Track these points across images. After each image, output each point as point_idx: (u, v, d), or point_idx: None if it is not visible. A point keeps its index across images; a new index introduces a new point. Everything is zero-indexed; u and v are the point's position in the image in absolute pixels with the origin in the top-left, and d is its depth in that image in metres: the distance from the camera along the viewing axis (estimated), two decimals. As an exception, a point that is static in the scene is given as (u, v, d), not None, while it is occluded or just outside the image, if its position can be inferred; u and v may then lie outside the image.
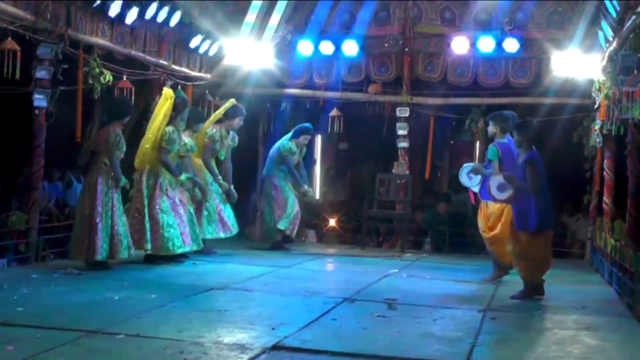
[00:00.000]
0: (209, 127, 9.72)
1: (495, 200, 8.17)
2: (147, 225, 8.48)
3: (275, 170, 10.66)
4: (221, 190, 9.83)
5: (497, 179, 7.87)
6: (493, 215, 8.22)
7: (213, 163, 9.85)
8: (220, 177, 9.80)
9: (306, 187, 10.83)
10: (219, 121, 9.91)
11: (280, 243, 10.72)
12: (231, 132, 10.01)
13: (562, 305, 7.25)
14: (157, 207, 8.55)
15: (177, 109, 8.70)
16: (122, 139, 8.11)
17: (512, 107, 11.23)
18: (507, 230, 7.79)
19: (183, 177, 8.82)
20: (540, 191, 7.27)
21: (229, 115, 9.88)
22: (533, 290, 7.46)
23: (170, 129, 8.58)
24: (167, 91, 8.82)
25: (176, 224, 8.66)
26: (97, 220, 7.91)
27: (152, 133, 8.58)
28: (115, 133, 8.02)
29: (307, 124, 10.90)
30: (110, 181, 8.05)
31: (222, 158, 10.10)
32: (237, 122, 10.00)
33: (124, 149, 8.18)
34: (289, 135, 10.80)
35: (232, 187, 9.99)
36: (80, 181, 10.66)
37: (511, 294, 7.54)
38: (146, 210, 8.52)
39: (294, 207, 10.59)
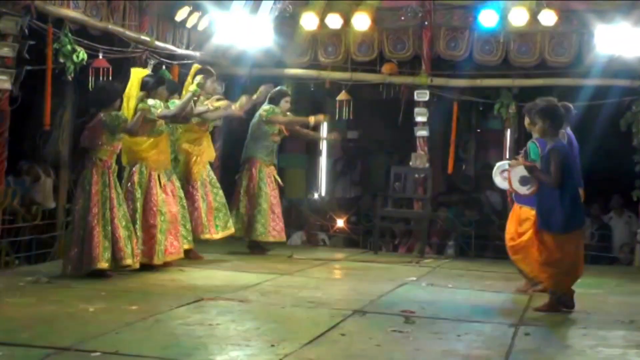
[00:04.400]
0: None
1: (518, 195, 8.11)
2: (140, 230, 8.47)
3: (255, 152, 10.49)
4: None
5: (519, 171, 7.83)
6: (528, 221, 8.15)
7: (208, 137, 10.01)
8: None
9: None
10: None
11: (257, 245, 10.68)
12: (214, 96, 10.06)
13: (607, 319, 7.22)
14: (154, 207, 8.54)
15: (145, 87, 8.67)
16: (117, 112, 8.10)
17: (549, 89, 11.25)
18: (534, 234, 7.78)
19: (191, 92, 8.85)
20: (566, 186, 7.24)
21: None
22: (560, 302, 7.42)
23: (150, 100, 8.56)
24: (135, 71, 8.80)
25: (167, 229, 8.66)
26: (94, 223, 7.93)
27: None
28: (108, 115, 8.00)
29: (279, 87, 10.77)
30: (107, 178, 8.08)
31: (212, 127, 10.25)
32: (210, 83, 9.88)
33: (124, 117, 8.16)
34: (265, 104, 10.57)
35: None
36: (49, 175, 10.67)
37: (535, 306, 7.53)
38: (138, 214, 8.49)
39: (268, 206, 10.49)
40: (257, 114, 10.57)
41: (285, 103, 10.56)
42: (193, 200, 9.62)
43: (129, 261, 8.15)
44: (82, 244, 7.94)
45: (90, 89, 9.22)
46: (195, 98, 9.09)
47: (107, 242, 7.97)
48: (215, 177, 10.12)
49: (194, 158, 9.78)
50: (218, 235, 9.89)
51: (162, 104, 8.67)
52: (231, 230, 10.05)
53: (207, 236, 9.73)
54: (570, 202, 7.26)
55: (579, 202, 7.44)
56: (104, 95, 8.23)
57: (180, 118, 8.87)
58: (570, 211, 7.26)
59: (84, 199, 8.01)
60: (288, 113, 10.64)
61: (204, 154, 9.91)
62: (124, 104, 8.51)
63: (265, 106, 10.47)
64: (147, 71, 9.19)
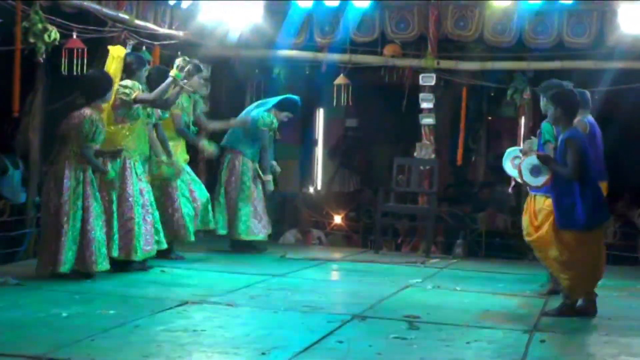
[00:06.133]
0: None
1: (530, 187, 8.13)
2: (116, 225, 8.47)
3: (242, 145, 10.57)
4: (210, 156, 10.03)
5: (530, 160, 7.84)
6: (542, 212, 8.14)
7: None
8: (205, 142, 9.98)
9: (269, 177, 10.75)
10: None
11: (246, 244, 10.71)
12: (192, 96, 10.03)
13: (629, 325, 7.24)
14: (129, 198, 8.54)
15: (129, 69, 8.67)
16: (100, 126, 8.10)
17: (567, 73, 11.25)
18: (553, 232, 7.77)
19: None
20: (586, 178, 7.26)
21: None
22: (573, 307, 7.43)
23: (127, 82, 8.54)
24: (114, 49, 8.79)
25: (142, 221, 8.66)
26: (63, 221, 7.94)
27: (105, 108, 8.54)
28: (91, 120, 8.02)
29: (296, 97, 10.87)
30: (81, 174, 8.08)
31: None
32: (197, 81, 9.93)
33: (101, 138, 8.17)
34: (269, 103, 10.70)
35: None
36: (18, 167, 10.66)
37: (544, 310, 7.55)
38: (115, 206, 8.49)
39: (250, 202, 10.51)
40: (255, 115, 10.56)
41: (285, 117, 10.74)
42: (172, 200, 9.58)
43: (102, 266, 8.14)
44: (54, 244, 7.96)
45: (63, 72, 9.21)
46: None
47: (73, 244, 7.98)
48: (193, 173, 10.12)
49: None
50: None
51: (139, 86, 8.66)
52: (209, 226, 10.07)
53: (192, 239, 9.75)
54: (592, 196, 7.27)
55: (601, 196, 7.46)
56: (97, 86, 8.23)
57: (160, 103, 8.88)
58: (593, 206, 7.27)
59: (56, 195, 8.01)
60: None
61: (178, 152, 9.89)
62: None
63: (269, 116, 10.56)
64: (126, 50, 9.15)
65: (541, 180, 7.74)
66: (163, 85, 8.74)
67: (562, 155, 7.33)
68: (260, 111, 10.60)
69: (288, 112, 10.73)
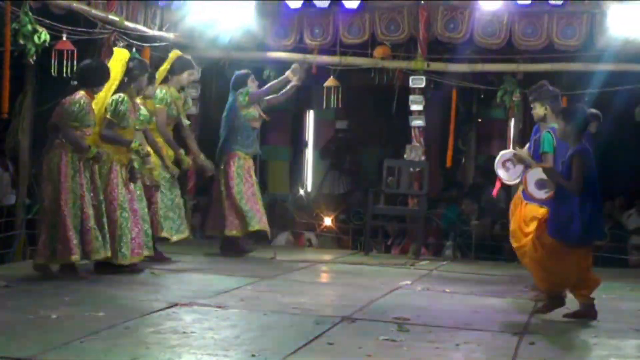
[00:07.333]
0: (157, 89, 9.62)
1: (534, 200, 8.14)
2: (104, 227, 8.46)
3: (235, 144, 10.53)
4: (188, 166, 9.96)
5: (535, 173, 7.85)
6: (535, 221, 8.12)
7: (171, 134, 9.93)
8: (182, 151, 9.80)
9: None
10: (164, 80, 9.83)
11: (232, 246, 10.68)
12: (183, 93, 10.06)
13: (619, 327, 7.26)
14: (114, 202, 8.52)
15: (131, 74, 8.65)
16: (87, 109, 8.10)
17: (557, 75, 11.27)
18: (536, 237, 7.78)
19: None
20: (587, 193, 7.24)
21: (175, 70, 9.83)
22: (559, 299, 7.45)
23: (119, 97, 8.50)
24: (120, 51, 8.77)
25: (131, 226, 8.64)
26: (64, 210, 7.97)
27: (97, 104, 8.51)
28: (79, 102, 8.05)
29: (238, 71, 10.86)
30: (77, 162, 8.10)
31: (186, 124, 10.19)
32: (187, 77, 9.91)
33: (90, 122, 8.16)
34: (230, 97, 10.70)
35: (202, 156, 10.17)
36: (7, 168, 10.65)
37: (535, 309, 7.59)
38: (104, 207, 8.47)
39: (246, 201, 10.48)
40: (227, 106, 10.60)
41: (252, 83, 10.64)
42: (150, 195, 9.55)
43: (100, 254, 8.18)
44: (55, 233, 7.98)
45: (52, 73, 9.21)
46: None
47: (77, 232, 8.03)
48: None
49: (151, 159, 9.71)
50: (173, 237, 9.84)
51: (127, 104, 8.58)
52: (185, 234, 10.01)
53: (165, 234, 9.68)
54: (590, 212, 7.20)
55: (599, 213, 7.42)
56: (92, 75, 8.25)
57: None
58: (590, 222, 7.21)
59: (54, 184, 8.03)
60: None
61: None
62: (107, 84, 8.51)
63: (240, 93, 10.52)
64: (129, 53, 9.09)
65: (546, 194, 7.74)
66: (121, 140, 8.60)
67: (568, 169, 7.31)
68: (230, 103, 10.63)
69: (250, 78, 10.71)
